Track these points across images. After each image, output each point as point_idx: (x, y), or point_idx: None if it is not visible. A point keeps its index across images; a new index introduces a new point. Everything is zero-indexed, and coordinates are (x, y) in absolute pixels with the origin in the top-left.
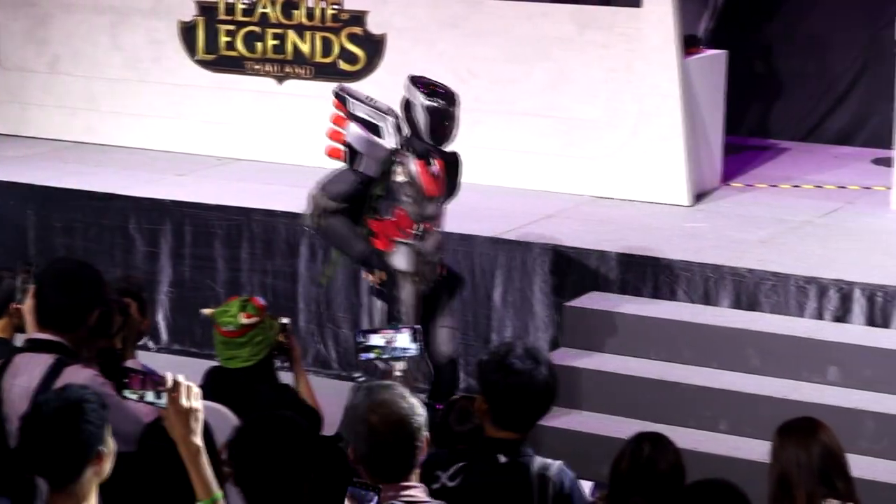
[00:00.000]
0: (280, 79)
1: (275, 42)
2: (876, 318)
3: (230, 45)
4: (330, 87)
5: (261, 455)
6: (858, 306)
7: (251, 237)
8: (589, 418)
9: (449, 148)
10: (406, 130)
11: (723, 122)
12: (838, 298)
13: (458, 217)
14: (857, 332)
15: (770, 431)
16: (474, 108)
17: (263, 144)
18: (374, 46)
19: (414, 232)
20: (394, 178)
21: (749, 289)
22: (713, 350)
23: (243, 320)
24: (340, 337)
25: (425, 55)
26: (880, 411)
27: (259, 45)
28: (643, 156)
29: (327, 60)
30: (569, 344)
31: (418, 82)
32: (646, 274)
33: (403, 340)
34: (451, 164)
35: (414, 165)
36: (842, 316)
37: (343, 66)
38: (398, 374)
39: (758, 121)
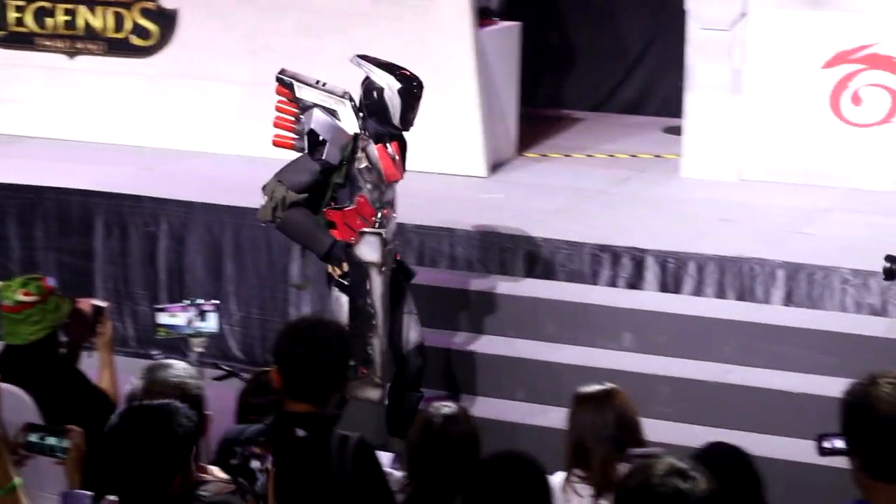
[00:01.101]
0: (71, 54)
1: (66, 17)
2: (668, 285)
3: (20, 21)
4: (122, 62)
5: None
6: (651, 273)
7: (45, 215)
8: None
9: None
10: (362, 117)
11: (517, 93)
12: (632, 266)
13: (257, 191)
14: (650, 299)
15: (567, 399)
16: (269, 82)
17: (55, 121)
18: (167, 21)
19: (375, 219)
20: (356, 164)
21: (544, 257)
22: (510, 319)
23: (20, 297)
24: (139, 314)
25: (219, 29)
26: (674, 375)
27: (49, 20)
28: (439, 128)
29: (119, 36)
30: None
31: (380, 63)
32: (443, 245)
33: (204, 318)
34: (403, 145)
35: (374, 150)
36: (635, 283)
37: (135, 41)
38: (198, 350)
39: (552, 91)
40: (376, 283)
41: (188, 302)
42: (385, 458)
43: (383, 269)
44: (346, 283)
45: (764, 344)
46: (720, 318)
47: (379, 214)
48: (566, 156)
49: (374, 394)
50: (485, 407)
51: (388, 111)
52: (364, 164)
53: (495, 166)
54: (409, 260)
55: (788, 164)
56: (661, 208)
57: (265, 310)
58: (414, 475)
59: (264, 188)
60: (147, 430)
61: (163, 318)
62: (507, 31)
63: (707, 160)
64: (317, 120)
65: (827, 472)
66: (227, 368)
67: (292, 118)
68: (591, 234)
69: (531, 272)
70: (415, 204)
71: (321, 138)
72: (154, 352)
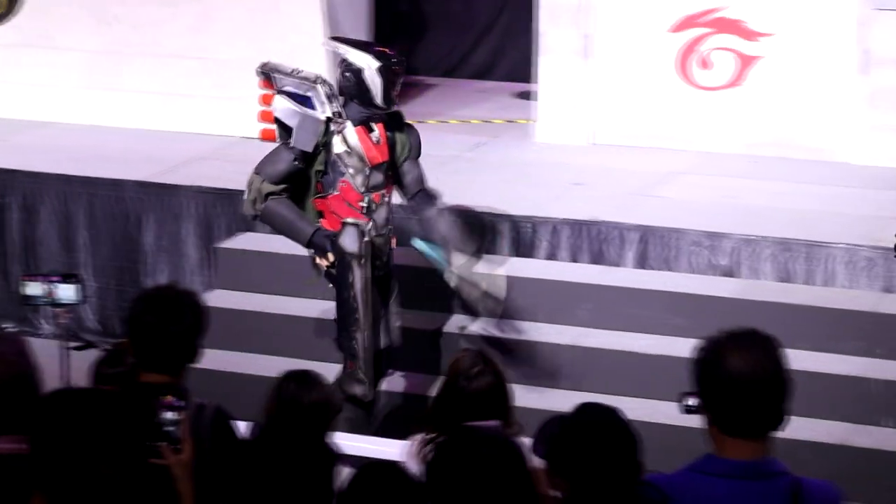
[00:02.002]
0: None
1: None
2: (523, 249)
3: None
4: None
5: None
6: (506, 238)
7: None
8: (244, 358)
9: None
10: (339, 98)
11: None
12: (488, 230)
13: (106, 161)
14: (505, 263)
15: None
16: (119, 52)
17: None
18: None
19: (363, 204)
20: (333, 149)
21: (398, 224)
22: None
23: None
24: None
25: None
26: (530, 339)
27: None
28: None
29: None
30: (223, 285)
31: (356, 44)
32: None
33: (66, 291)
34: (398, 124)
35: (353, 133)
36: (490, 248)
37: None
38: (63, 321)
39: (404, 58)
40: (357, 276)
41: (50, 272)
42: (243, 426)
43: (363, 261)
44: (334, 273)
45: (618, 306)
46: (574, 282)
47: (366, 199)
48: (420, 122)
49: (358, 389)
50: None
51: (370, 91)
52: (343, 149)
53: None
54: (263, 228)
55: (639, 128)
56: (514, 173)
57: (121, 280)
58: (266, 441)
59: (247, 182)
60: None
61: (27, 289)
62: None
63: (559, 125)
64: (279, 107)
65: (681, 432)
66: (87, 339)
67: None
68: (446, 199)
69: None
70: None
71: (287, 125)
72: (6, 325)
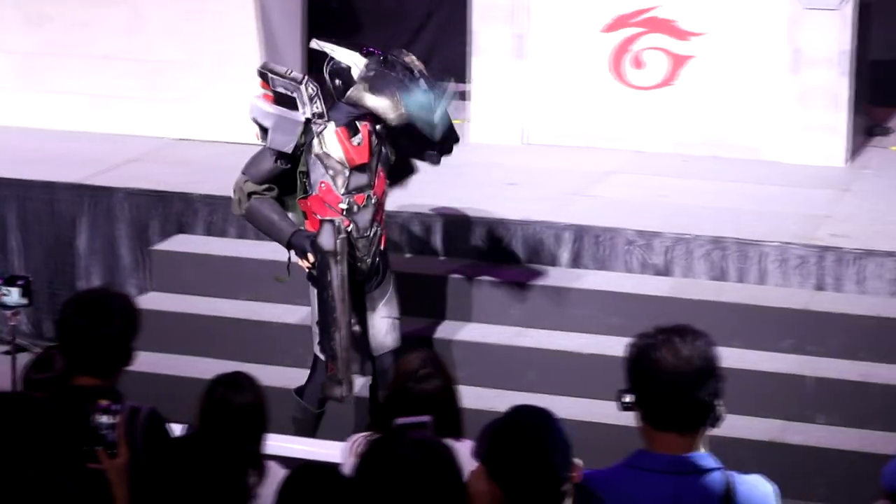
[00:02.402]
0: None
1: None
2: (457, 249)
3: None
4: None
5: None
6: (438, 238)
7: None
8: (180, 361)
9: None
10: (322, 99)
11: (303, 60)
12: (421, 231)
13: (39, 163)
14: (439, 264)
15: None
16: (50, 53)
17: None
18: None
19: (343, 206)
20: (313, 150)
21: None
22: (302, 287)
23: None
24: None
25: None
26: (464, 340)
27: None
28: (225, 96)
29: None
30: (157, 288)
31: (340, 44)
32: (231, 215)
33: (12, 294)
34: (385, 127)
35: (332, 134)
36: (423, 248)
37: None
38: (12, 324)
39: None
40: (334, 274)
41: None
42: (178, 429)
43: (338, 258)
44: (314, 274)
45: (552, 306)
46: (509, 282)
47: (346, 201)
48: None
49: (336, 391)
50: (279, 375)
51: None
52: (322, 150)
53: None
54: (198, 230)
55: (573, 128)
56: (448, 173)
57: (54, 283)
58: (200, 442)
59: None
60: None
61: None
62: None
63: (493, 125)
64: (255, 108)
65: (618, 430)
66: (19, 343)
67: None
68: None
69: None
70: (201, 173)
71: (264, 127)
72: None
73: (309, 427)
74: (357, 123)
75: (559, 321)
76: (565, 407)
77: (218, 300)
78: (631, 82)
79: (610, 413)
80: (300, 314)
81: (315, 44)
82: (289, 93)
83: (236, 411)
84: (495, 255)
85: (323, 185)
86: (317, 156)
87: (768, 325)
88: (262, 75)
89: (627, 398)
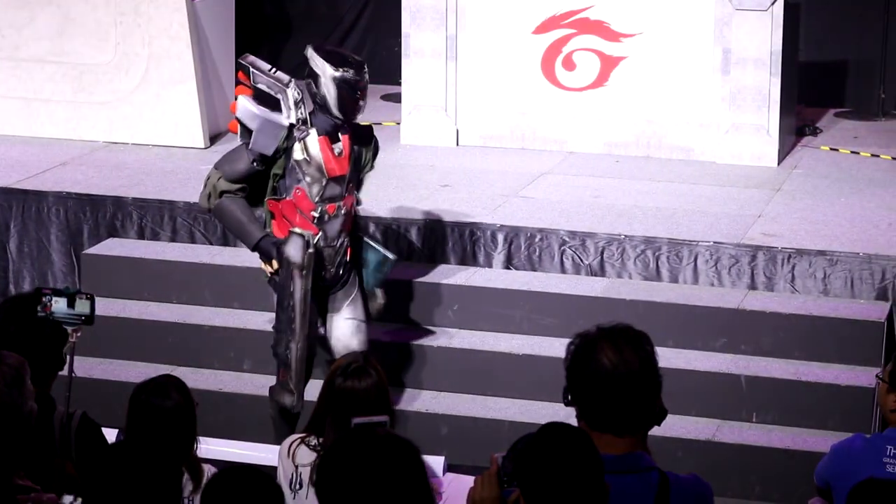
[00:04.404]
0: None
1: None
2: (391, 252)
3: None
4: None
5: None
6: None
7: None
8: (112, 365)
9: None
10: (309, 104)
11: (234, 65)
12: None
13: None
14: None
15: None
16: None
17: None
18: None
19: (315, 214)
20: (293, 155)
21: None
22: (235, 291)
23: None
24: None
25: None
26: (399, 342)
27: None
28: (156, 99)
29: None
30: (89, 292)
31: (323, 51)
32: (164, 218)
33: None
34: (366, 138)
35: (314, 143)
36: None
37: None
38: None
39: (269, 61)
40: (298, 286)
41: None
42: (111, 434)
43: (304, 272)
44: (277, 279)
45: (486, 307)
46: (443, 283)
47: (319, 209)
48: None
49: (287, 399)
50: (212, 379)
51: (327, 100)
52: (302, 157)
53: (214, 137)
54: (130, 234)
55: (505, 129)
56: (381, 175)
57: None
58: (128, 448)
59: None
60: None
61: None
62: (222, 2)
63: (425, 127)
64: (240, 108)
65: None
66: None
67: None
68: None
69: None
70: (132, 176)
71: (248, 127)
72: None
73: (287, 426)
74: (338, 133)
75: (493, 323)
76: (501, 408)
77: (150, 304)
78: (563, 83)
79: (547, 414)
80: (233, 318)
81: (306, 50)
82: (272, 93)
83: (162, 415)
84: (429, 256)
85: (298, 191)
86: (296, 161)
87: (701, 325)
88: (244, 68)
89: (570, 396)
